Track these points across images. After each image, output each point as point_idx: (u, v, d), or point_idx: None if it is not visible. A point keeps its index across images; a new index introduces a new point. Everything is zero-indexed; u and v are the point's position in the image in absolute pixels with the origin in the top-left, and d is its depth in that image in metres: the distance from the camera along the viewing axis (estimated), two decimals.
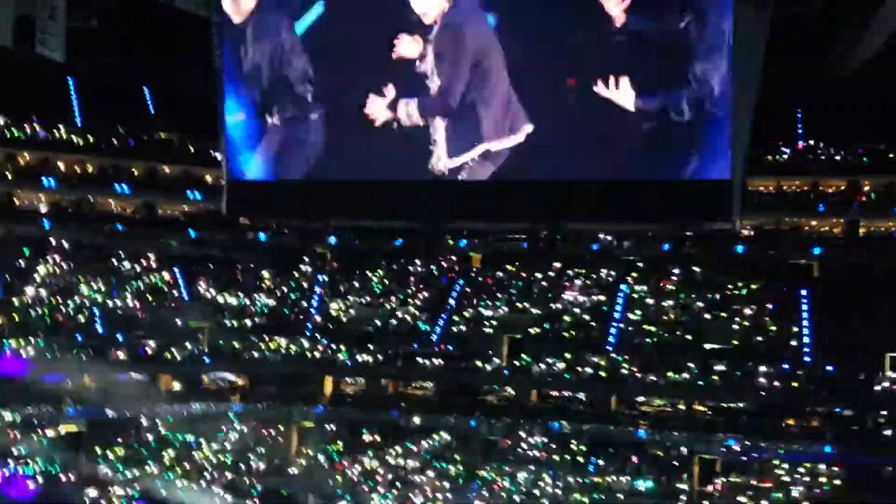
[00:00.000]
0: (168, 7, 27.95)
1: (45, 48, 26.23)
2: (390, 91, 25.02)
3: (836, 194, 41.47)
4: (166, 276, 43.75)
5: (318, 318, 41.95)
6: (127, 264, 43.82)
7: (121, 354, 39.64)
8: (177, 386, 41.02)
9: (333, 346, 40.21)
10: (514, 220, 30.24)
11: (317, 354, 40.23)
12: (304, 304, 42.87)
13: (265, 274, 44.36)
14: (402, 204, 26.10)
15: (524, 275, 41.93)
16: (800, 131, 42.20)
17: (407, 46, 24.61)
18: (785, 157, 41.40)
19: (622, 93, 22.23)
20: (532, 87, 23.38)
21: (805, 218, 41.56)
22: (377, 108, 25.21)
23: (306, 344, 40.69)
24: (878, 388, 33.88)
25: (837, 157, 40.77)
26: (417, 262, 43.60)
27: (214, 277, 44.19)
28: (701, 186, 22.57)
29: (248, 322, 42.25)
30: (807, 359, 35.68)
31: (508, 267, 42.48)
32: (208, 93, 27.87)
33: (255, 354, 40.69)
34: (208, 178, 44.62)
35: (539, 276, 41.69)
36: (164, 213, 46.53)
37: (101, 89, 44.34)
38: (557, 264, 41.71)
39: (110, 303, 41.82)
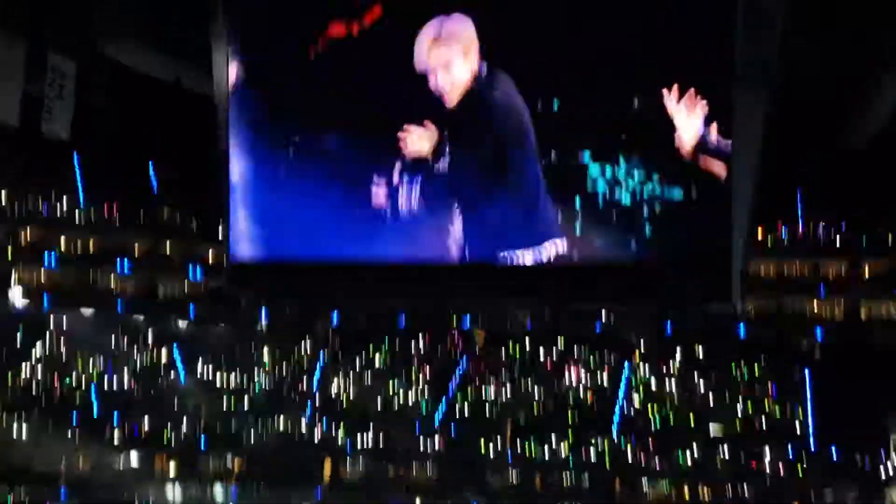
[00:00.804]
0: (175, 86, 28.34)
1: (52, 126, 26.49)
2: (395, 175, 24.32)
3: (837, 276, 41.60)
4: (165, 354, 43.50)
5: (318, 399, 41.58)
6: (125, 342, 43.60)
7: (116, 435, 39.17)
8: (172, 468, 40.39)
9: (334, 428, 39.77)
10: (519, 299, 29.99)
11: (316, 436, 39.72)
12: (305, 383, 42.53)
13: (265, 353, 44.11)
14: (408, 283, 25.71)
15: (527, 354, 41.78)
16: (800, 212, 42.47)
17: (417, 142, 21.75)
18: (785, 237, 41.66)
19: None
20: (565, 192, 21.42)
21: (806, 299, 41.65)
22: (381, 192, 24.91)
23: (306, 425, 40.23)
24: (882, 471, 33.45)
25: (838, 238, 41.02)
26: (421, 340, 43.46)
27: (214, 356, 43.91)
28: (702, 267, 22.38)
29: (246, 402, 41.86)
30: (811, 442, 35.35)
31: (512, 346, 42.37)
32: (213, 171, 28.02)
33: (253, 436, 40.19)
34: (210, 256, 44.64)
35: (542, 355, 41.56)
36: (165, 291, 46.43)
37: (105, 166, 44.67)
38: (561, 343, 41.67)
39: (107, 382, 41.51)
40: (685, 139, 18.89)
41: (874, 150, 27.76)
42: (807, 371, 37.78)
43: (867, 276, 40.61)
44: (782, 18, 18.02)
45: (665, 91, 18.81)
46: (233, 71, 24.52)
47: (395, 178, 23.49)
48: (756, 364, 38.94)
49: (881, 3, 19.22)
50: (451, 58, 20.30)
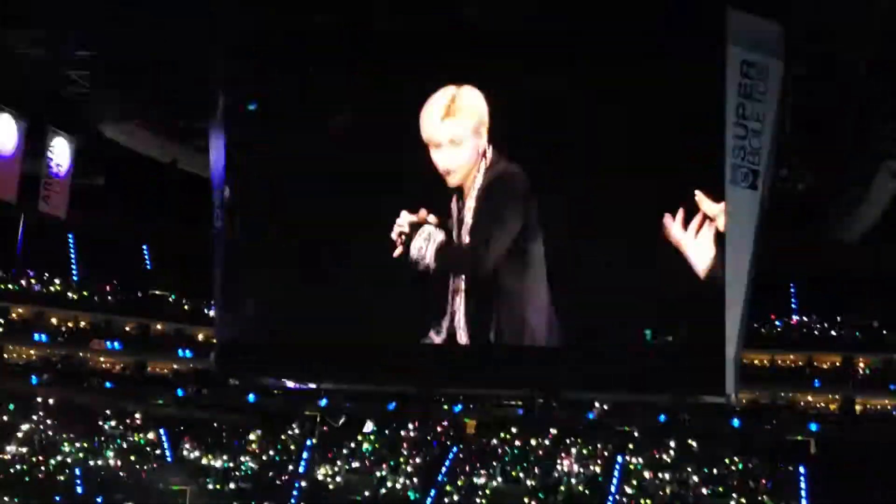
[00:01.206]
0: (172, 168, 28.48)
1: (48, 206, 26.53)
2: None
3: (831, 370, 41.62)
4: (151, 436, 43.03)
5: (304, 484, 40.92)
6: (113, 423, 43.17)
7: None
8: None
9: None
10: (510, 386, 29.57)
11: None
12: (291, 468, 41.94)
13: (252, 436, 43.61)
14: (397, 368, 25.31)
15: (519, 443, 41.37)
16: (794, 305, 42.65)
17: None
18: (779, 330, 41.78)
19: None
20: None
21: (801, 392, 41.59)
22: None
23: None
24: None
25: (832, 332, 41.17)
26: (410, 427, 43.03)
27: (200, 439, 43.40)
28: (695, 360, 22.17)
29: (231, 486, 41.21)
30: None
31: (504, 434, 41.96)
32: (206, 253, 28.04)
33: None
34: (200, 337, 44.48)
35: (534, 444, 41.16)
36: (154, 371, 46.17)
37: (100, 246, 44.83)
38: (553, 432, 41.30)
39: (92, 462, 40.97)
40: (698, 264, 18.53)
41: (867, 245, 27.96)
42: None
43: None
44: (773, 122, 18.28)
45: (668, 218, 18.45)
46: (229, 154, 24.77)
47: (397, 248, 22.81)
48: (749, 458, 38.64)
49: (869, 101, 19.56)
50: (461, 133, 19.07)
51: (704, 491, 37.65)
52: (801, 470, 37.54)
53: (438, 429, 42.73)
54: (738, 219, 19.05)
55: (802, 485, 37.03)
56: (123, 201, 39.76)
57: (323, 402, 42.76)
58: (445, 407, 41.91)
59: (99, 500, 39.04)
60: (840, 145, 21.80)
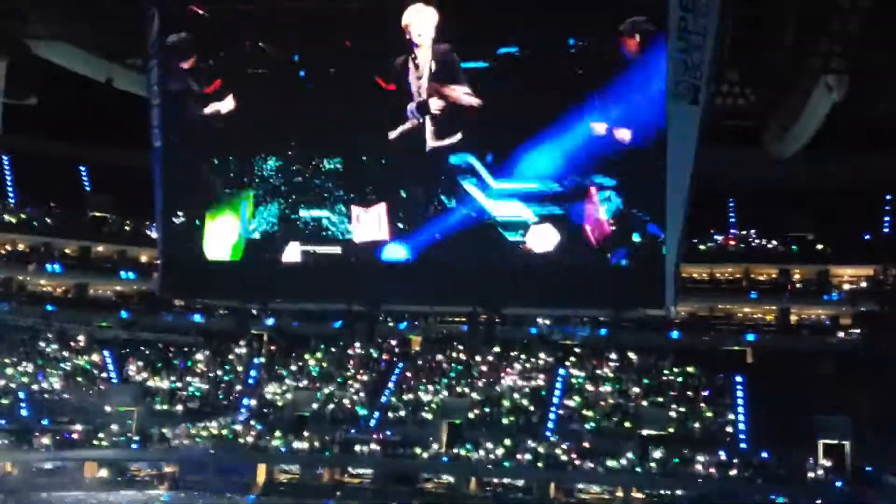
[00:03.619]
0: (108, 87, 27.86)
1: None
2: None
3: (767, 282, 42.58)
4: (96, 358, 42.80)
5: (252, 403, 41.17)
6: (56, 346, 42.83)
7: (45, 440, 38.27)
8: (104, 473, 39.61)
9: (268, 433, 39.34)
10: (452, 303, 29.86)
11: (250, 440, 39.25)
12: (239, 388, 42.11)
13: (199, 356, 43.59)
14: (343, 285, 25.35)
15: (464, 358, 41.92)
16: (732, 219, 43.35)
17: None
18: (717, 244, 42.49)
19: None
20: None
21: (738, 304, 42.56)
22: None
23: (239, 429, 39.72)
24: (811, 474, 34.14)
25: (769, 246, 41.98)
26: (357, 345, 43.31)
27: (146, 360, 43.29)
28: (635, 274, 22.53)
29: (179, 407, 41.31)
30: (742, 445, 35.97)
31: (448, 350, 42.47)
32: (146, 172, 27.60)
33: (186, 441, 39.56)
34: (143, 258, 44.06)
35: (478, 360, 41.71)
36: (97, 294, 45.72)
37: (36, 168, 43.85)
38: (497, 349, 41.83)
39: (36, 386, 40.71)
40: None
41: (804, 160, 28.43)
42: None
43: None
44: (714, 37, 18.41)
45: None
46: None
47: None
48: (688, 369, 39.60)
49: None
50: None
51: (644, 402, 38.49)
52: (738, 379, 38.49)
53: (384, 346, 43.11)
54: (678, 134, 19.30)
55: (739, 393, 38.00)
56: (58, 122, 38.89)
57: (270, 322, 42.87)
58: (391, 324, 42.23)
59: (45, 422, 38.85)
60: (779, 61, 22.03)
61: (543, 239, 21.22)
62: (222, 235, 24.85)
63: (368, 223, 22.89)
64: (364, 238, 22.69)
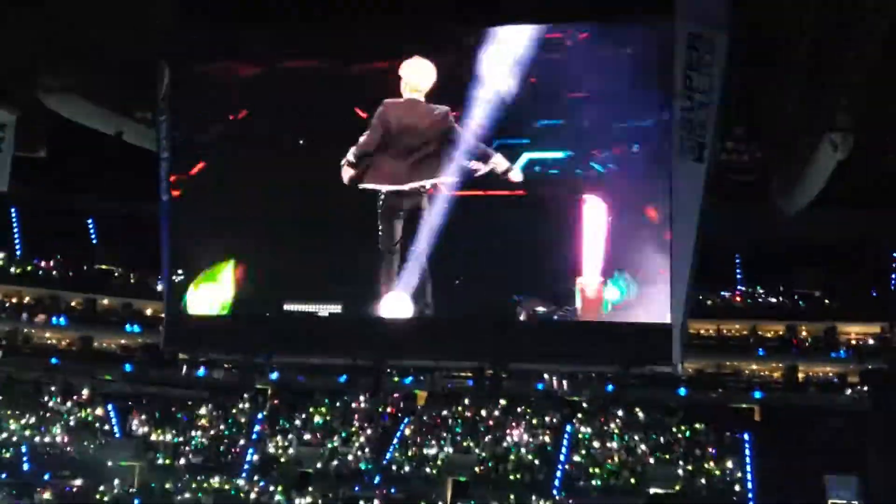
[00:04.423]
0: (117, 140, 28.07)
1: None
2: None
3: (775, 339, 42.34)
4: (99, 412, 42.57)
5: (255, 458, 40.80)
6: (59, 399, 42.66)
7: (47, 495, 37.91)
8: None
9: (271, 488, 38.95)
10: (460, 358, 29.79)
11: (252, 497, 38.85)
12: (242, 442, 41.77)
13: (202, 411, 43.32)
14: (348, 340, 25.36)
15: (469, 414, 41.61)
16: (739, 275, 43.25)
17: None
18: (724, 300, 42.37)
19: None
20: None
21: (745, 361, 42.30)
22: None
23: (242, 485, 39.34)
24: None
25: (776, 302, 41.87)
26: (361, 399, 43.05)
27: (149, 414, 43.02)
28: (643, 330, 22.48)
29: (181, 461, 40.97)
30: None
31: (454, 406, 42.17)
32: (153, 226, 27.70)
33: (188, 495, 39.16)
34: (148, 311, 44.01)
35: (484, 415, 41.42)
36: (101, 347, 45.61)
37: (43, 220, 44.05)
38: (503, 403, 41.57)
39: (38, 439, 40.51)
40: None
41: (810, 216, 28.40)
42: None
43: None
44: (718, 94, 18.55)
45: None
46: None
47: None
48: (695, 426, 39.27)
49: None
50: None
51: (651, 459, 38.14)
52: (746, 437, 38.16)
53: (389, 401, 42.81)
54: (684, 191, 19.36)
55: (747, 451, 37.65)
56: (67, 174, 39.14)
57: (274, 376, 42.61)
58: (396, 379, 41.98)
59: (46, 476, 38.57)
60: (783, 118, 22.12)
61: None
62: (214, 293, 25.00)
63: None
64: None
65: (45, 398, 42.78)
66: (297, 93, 23.32)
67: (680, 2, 18.17)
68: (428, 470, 39.26)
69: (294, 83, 23.33)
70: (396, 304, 22.95)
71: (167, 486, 39.26)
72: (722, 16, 18.38)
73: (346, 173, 22.59)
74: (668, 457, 38.20)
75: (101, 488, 38.62)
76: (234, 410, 43.44)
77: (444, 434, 40.79)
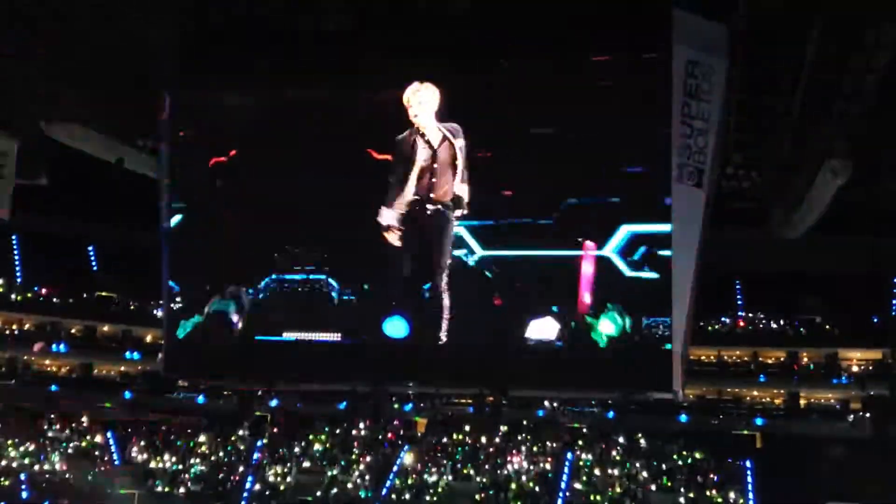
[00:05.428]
0: (118, 167, 28.07)
1: None
2: None
3: (776, 365, 42.27)
4: (98, 439, 42.39)
5: (256, 487, 40.56)
6: (58, 426, 42.51)
7: None
8: None
9: None
10: (460, 385, 29.60)
11: None
12: (241, 469, 41.57)
13: (201, 438, 43.15)
14: (348, 366, 25.18)
15: (470, 441, 41.45)
16: (739, 301, 43.24)
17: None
18: (725, 326, 42.34)
19: None
20: None
21: (746, 388, 42.20)
22: None
23: None
24: None
25: (777, 328, 41.83)
26: (361, 426, 42.90)
27: (148, 441, 42.84)
28: (644, 356, 22.35)
29: (181, 488, 40.76)
30: None
31: (454, 433, 42.01)
32: (153, 253, 27.69)
33: None
34: (148, 339, 43.96)
35: (485, 442, 41.27)
36: (101, 374, 45.51)
37: (44, 247, 44.10)
38: (503, 429, 41.41)
39: (38, 467, 40.33)
40: None
41: (810, 242, 28.39)
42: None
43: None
44: (717, 120, 18.56)
45: None
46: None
47: None
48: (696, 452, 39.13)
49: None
50: None
51: (653, 486, 37.97)
52: (748, 463, 38.01)
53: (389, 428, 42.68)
54: (683, 217, 19.33)
55: (749, 478, 37.49)
56: (68, 202, 39.19)
57: (273, 403, 42.45)
58: (396, 406, 41.84)
59: None
60: (783, 144, 22.12)
61: (543, 330, 21.16)
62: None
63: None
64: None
65: (45, 426, 42.60)
66: (300, 123, 23.29)
67: (678, 30, 18.20)
68: (428, 498, 39.04)
69: (297, 113, 23.30)
70: (402, 328, 22.78)
71: None
72: (721, 42, 18.40)
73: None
74: (669, 484, 38.01)
75: None
76: (233, 438, 43.28)
77: (445, 461, 40.61)
